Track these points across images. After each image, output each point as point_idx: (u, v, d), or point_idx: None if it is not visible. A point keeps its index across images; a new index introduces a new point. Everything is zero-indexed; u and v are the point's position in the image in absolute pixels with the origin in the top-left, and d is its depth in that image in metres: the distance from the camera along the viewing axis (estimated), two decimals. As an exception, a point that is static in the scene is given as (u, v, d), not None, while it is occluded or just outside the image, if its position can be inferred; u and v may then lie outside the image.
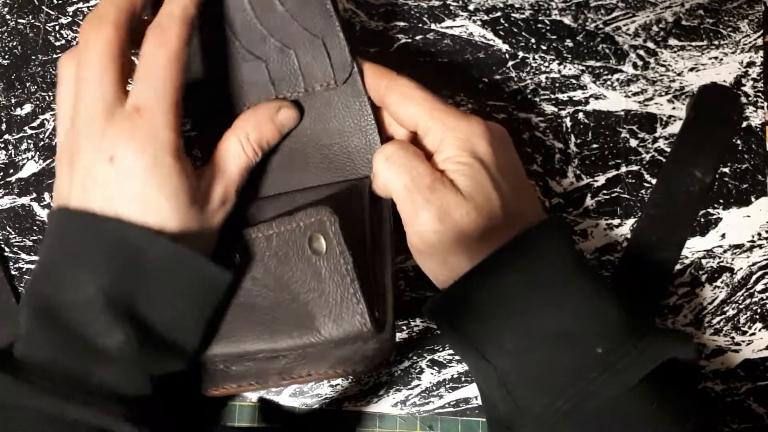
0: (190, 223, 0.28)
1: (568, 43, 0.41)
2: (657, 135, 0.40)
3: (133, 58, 0.29)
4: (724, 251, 0.39)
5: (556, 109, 0.41)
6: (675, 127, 0.40)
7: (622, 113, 0.41)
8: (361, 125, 0.33)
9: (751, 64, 0.41)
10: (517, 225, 0.29)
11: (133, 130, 0.26)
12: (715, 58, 0.41)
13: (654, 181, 0.40)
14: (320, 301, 0.29)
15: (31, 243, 0.39)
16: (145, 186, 0.26)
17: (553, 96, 0.41)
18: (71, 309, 0.26)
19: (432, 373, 0.38)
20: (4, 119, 0.41)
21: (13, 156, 0.40)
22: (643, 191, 0.40)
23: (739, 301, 0.39)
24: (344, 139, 0.33)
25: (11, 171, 0.40)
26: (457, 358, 0.38)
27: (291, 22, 0.32)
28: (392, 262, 0.32)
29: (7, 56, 0.42)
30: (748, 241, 0.39)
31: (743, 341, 0.38)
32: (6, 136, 0.41)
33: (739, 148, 0.40)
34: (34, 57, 0.42)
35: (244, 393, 0.38)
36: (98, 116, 0.27)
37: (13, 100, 0.41)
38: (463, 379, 0.38)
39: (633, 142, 0.40)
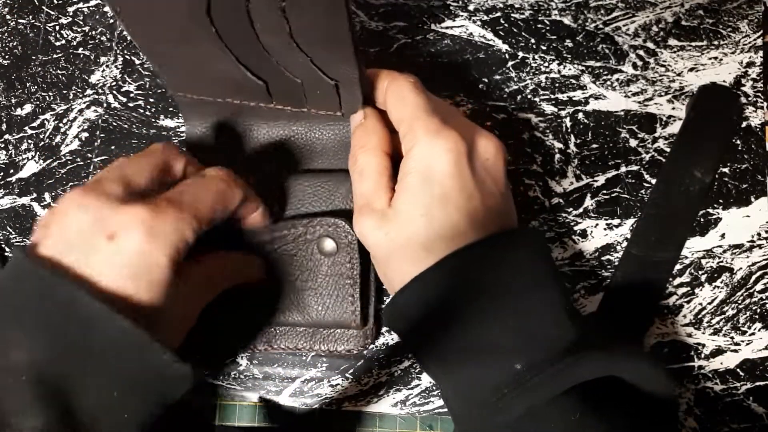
0: (162, 314, 0.26)
1: (568, 43, 0.41)
2: (657, 135, 0.40)
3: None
4: (724, 251, 0.39)
5: (555, 109, 0.41)
6: (675, 127, 0.40)
7: (622, 113, 0.41)
8: None
9: (750, 64, 0.41)
10: (467, 241, 0.28)
11: (153, 219, 0.25)
12: (715, 58, 0.41)
13: (654, 181, 0.40)
14: (316, 293, 0.34)
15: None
16: (131, 273, 0.25)
17: (552, 96, 0.41)
18: None
19: (432, 373, 0.38)
20: (4, 119, 0.41)
21: (13, 156, 0.40)
22: (642, 191, 0.40)
23: (739, 301, 0.39)
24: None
25: (11, 171, 0.40)
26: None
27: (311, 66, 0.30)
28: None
29: (7, 56, 0.42)
30: (748, 241, 0.39)
31: (743, 341, 0.38)
32: (6, 136, 0.41)
33: (739, 148, 0.40)
34: (34, 57, 0.42)
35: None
36: (122, 190, 0.26)
37: (13, 100, 0.41)
38: (463, 378, 0.38)
39: (633, 142, 0.40)
